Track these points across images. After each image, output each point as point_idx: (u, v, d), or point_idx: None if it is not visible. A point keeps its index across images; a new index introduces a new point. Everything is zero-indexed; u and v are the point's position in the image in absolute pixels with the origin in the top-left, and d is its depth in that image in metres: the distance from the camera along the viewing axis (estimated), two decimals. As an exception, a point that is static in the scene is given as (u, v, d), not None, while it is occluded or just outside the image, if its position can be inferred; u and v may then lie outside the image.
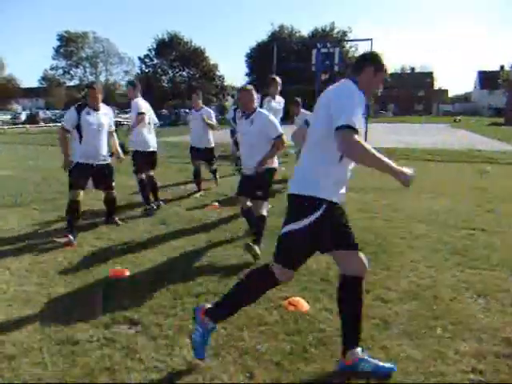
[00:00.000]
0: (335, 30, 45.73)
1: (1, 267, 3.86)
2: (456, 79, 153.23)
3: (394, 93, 72.33)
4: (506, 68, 66.64)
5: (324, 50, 16.83)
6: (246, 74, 51.19)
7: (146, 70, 55.51)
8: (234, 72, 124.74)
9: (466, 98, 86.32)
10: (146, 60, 55.59)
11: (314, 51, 17.73)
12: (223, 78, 58.29)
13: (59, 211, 5.97)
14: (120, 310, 3.03)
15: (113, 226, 5.26)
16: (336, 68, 17.77)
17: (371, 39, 15.65)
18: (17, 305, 3.14)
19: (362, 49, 32.29)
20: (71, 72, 60.26)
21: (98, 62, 60.87)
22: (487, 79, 74.21)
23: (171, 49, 54.55)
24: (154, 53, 55.11)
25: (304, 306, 3.12)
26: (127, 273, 3.72)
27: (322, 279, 3.63)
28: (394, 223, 5.43)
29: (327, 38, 41.11)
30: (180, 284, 3.49)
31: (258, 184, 4.26)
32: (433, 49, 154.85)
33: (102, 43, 60.11)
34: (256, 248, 4.01)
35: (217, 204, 6.45)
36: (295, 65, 29.99)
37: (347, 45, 42.24)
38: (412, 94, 74.91)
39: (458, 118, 47.14)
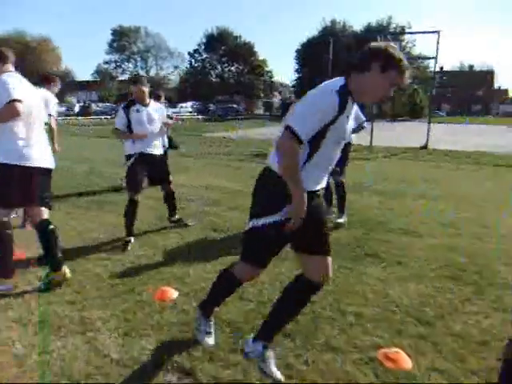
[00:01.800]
0: (392, 26, 43.73)
1: (29, 276, 3.35)
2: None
3: (448, 92, 68.89)
4: None
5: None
6: (296, 70, 50.27)
7: (196, 65, 55.84)
8: (282, 68, 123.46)
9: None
10: (196, 55, 56.03)
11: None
12: (271, 74, 57.71)
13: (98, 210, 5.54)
14: (167, 351, 2.39)
15: (161, 231, 4.70)
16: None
17: (438, 31, 14.36)
18: (43, 330, 2.58)
19: (422, 44, 29.68)
20: (123, 66, 61.69)
21: (148, 56, 61.89)
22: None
23: (220, 43, 54.60)
24: (203, 47, 55.34)
25: (405, 361, 2.35)
26: (175, 295, 3.09)
27: (419, 320, 2.83)
28: (486, 243, 4.50)
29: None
30: (241, 316, 2.81)
31: None
32: (492, 47, 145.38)
33: (153, 38, 61.02)
34: None
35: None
36: (349, 59, 28.59)
37: (405, 40, 40.20)
38: (470, 94, 70.96)
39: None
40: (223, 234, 4.67)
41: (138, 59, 62.29)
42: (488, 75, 73.78)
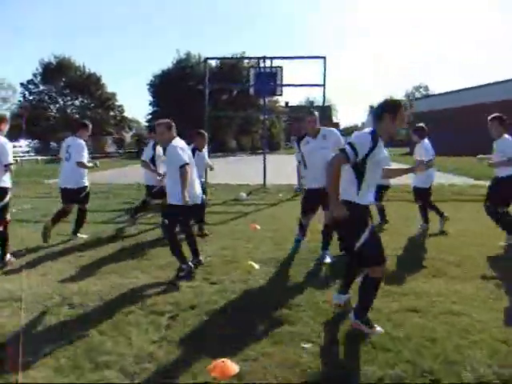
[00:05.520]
0: (246, 60, 43.86)
1: None
2: (346, 113, 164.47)
3: (295, 126, 73.40)
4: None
5: (267, 70, 14.00)
6: (150, 104, 47.01)
7: (31, 98, 48.20)
8: (133, 103, 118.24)
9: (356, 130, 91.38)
10: (30, 86, 48.33)
11: (253, 71, 14.90)
12: (122, 109, 53.23)
13: None
14: None
15: None
16: (279, 91, 15.08)
17: (324, 57, 13.26)
18: None
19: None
20: None
21: (-35, 85, 51.46)
22: (378, 113, 79.54)
23: (60, 74, 48.17)
24: (39, 78, 48.16)
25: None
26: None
27: None
28: None
29: (238, 68, 39.61)
30: None
31: None
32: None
33: (-27, 66, 51.03)
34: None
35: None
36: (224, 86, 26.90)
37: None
38: (314, 127, 76.79)
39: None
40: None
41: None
42: (327, 110, 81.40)
